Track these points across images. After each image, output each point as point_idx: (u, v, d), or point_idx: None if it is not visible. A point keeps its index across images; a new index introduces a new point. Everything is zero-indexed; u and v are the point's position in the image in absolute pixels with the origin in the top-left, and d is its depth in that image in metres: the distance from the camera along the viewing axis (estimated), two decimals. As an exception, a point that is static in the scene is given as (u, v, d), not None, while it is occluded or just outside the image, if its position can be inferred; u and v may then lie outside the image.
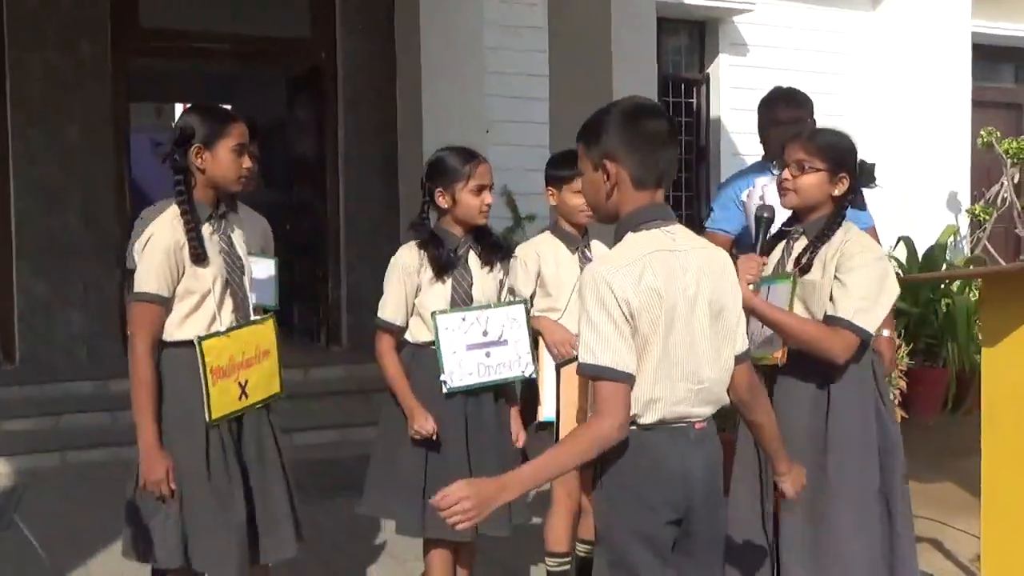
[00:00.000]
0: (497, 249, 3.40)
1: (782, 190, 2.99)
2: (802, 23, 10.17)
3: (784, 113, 4.12)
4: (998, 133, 9.68)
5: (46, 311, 7.48)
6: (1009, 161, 9.53)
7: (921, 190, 10.00)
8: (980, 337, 3.35)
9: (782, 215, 3.22)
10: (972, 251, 9.61)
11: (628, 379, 2.19)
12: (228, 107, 3.10)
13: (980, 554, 3.46)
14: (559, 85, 6.55)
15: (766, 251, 3.06)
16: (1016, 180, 9.83)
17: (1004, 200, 9.63)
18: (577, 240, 3.70)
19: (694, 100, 10.03)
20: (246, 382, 2.95)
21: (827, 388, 2.91)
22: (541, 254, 3.68)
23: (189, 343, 2.86)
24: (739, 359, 2.39)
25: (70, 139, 7.48)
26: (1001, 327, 3.25)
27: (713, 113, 9.96)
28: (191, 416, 2.86)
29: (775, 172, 4.03)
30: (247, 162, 2.97)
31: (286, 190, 9.35)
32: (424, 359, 3.31)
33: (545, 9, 8.93)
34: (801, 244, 3.00)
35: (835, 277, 2.88)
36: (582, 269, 3.66)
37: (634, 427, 2.26)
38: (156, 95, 12.34)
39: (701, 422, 2.32)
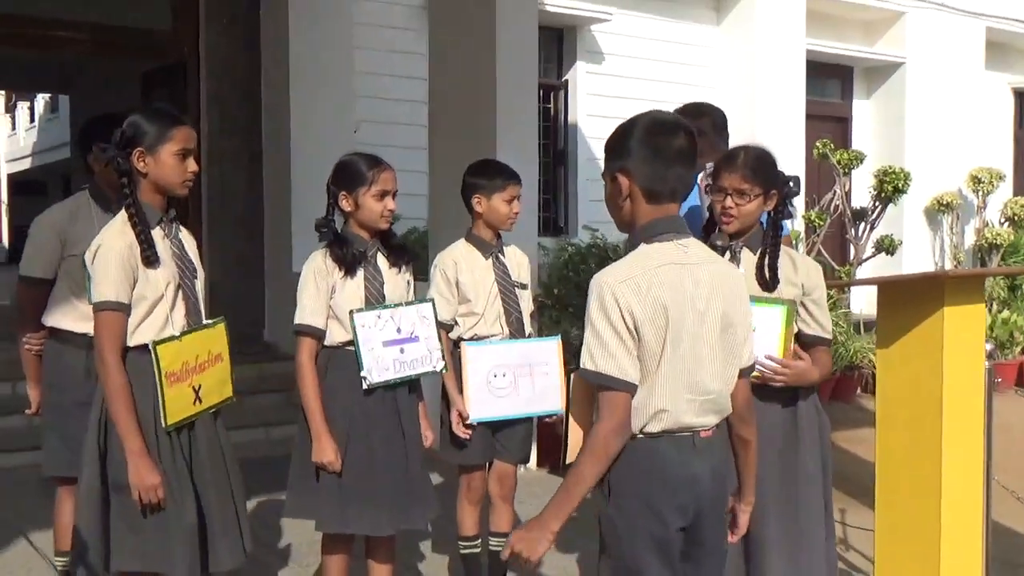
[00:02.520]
0: (402, 252, 3.46)
1: (726, 217, 3.01)
2: (654, 34, 10.50)
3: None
4: (832, 144, 10.23)
5: None
6: (841, 171, 10.08)
7: (761, 197, 10.39)
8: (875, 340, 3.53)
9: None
10: (808, 254, 10.12)
11: (629, 388, 2.23)
12: (173, 110, 2.97)
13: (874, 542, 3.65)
14: (439, 86, 6.50)
15: None
16: (847, 188, 10.42)
17: (836, 207, 10.18)
18: (491, 247, 3.81)
19: (552, 105, 10.19)
20: (200, 387, 2.87)
21: (796, 400, 3.01)
22: (458, 262, 3.78)
23: (141, 348, 2.78)
24: (742, 373, 2.44)
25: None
26: (894, 331, 3.45)
27: (571, 118, 10.14)
28: (143, 421, 2.77)
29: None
30: (192, 166, 2.89)
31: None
32: (341, 360, 3.31)
33: (415, 10, 8.91)
34: (748, 257, 3.03)
35: (807, 296, 3.01)
36: (496, 273, 3.79)
37: (640, 436, 2.29)
38: (3, 83, 11.63)
39: (707, 431, 2.35)
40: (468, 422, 3.68)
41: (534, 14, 6.38)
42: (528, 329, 3.88)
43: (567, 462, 2.46)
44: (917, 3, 11.78)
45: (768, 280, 2.98)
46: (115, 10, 7.93)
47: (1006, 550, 4.33)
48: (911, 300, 3.39)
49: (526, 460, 3.99)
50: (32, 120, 30.03)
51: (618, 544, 2.32)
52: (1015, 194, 12.85)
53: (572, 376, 2.45)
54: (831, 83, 12.11)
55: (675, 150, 2.31)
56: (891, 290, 3.50)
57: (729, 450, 2.49)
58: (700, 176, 4.02)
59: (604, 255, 6.15)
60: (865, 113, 12.19)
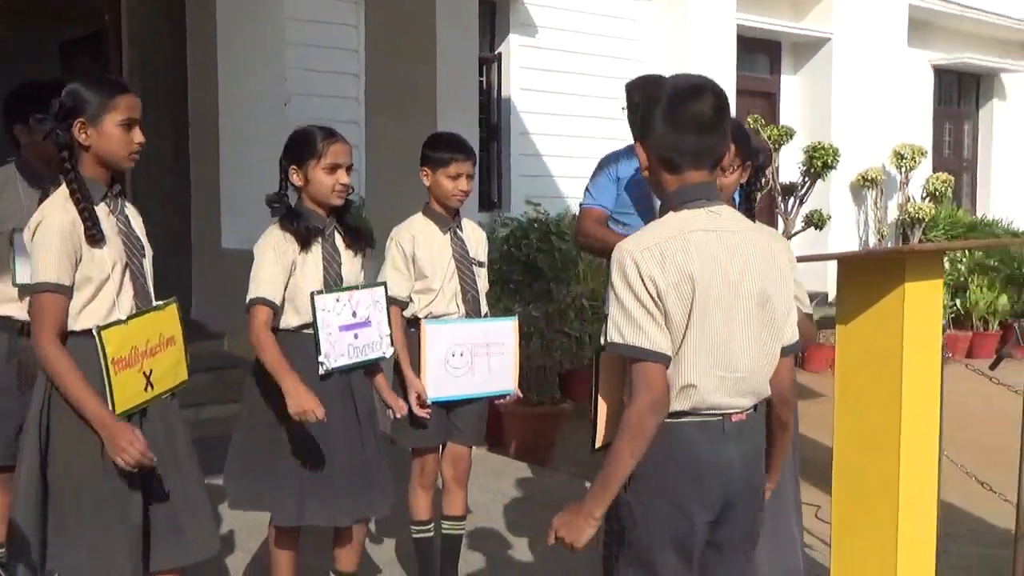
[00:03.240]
0: (357, 235, 3.30)
1: None
2: (587, 7, 10.38)
3: (638, 97, 4.18)
4: (762, 120, 10.29)
5: None
6: (772, 146, 10.16)
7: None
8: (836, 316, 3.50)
9: None
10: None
11: (663, 359, 2.11)
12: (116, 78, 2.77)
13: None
14: (377, 59, 6.33)
15: None
16: (776, 164, 10.50)
17: (766, 182, 10.26)
18: (448, 221, 3.68)
19: (484, 79, 10.02)
20: (151, 372, 2.68)
21: None
22: (415, 236, 3.63)
23: (85, 333, 2.58)
24: (785, 351, 2.31)
25: None
26: (855, 307, 3.41)
27: (504, 92, 9.99)
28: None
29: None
30: (138, 136, 2.67)
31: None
32: (295, 344, 3.15)
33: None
34: None
35: None
36: (453, 249, 3.65)
37: (671, 420, 2.15)
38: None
39: (739, 414, 2.20)
40: (425, 402, 3.55)
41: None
42: (484, 308, 3.76)
43: (596, 447, 2.36)
44: (843, -21, 11.89)
45: None
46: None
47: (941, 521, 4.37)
48: (872, 276, 3.35)
49: (480, 442, 3.92)
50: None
51: (634, 533, 2.21)
52: (934, 170, 13.13)
53: (599, 357, 2.32)
54: (759, 58, 12.17)
55: (690, 115, 2.18)
56: (852, 266, 3.46)
57: (764, 434, 2.34)
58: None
59: (546, 229, 6.04)
60: (792, 88, 12.28)
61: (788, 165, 11.03)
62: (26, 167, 3.49)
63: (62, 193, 2.61)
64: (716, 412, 2.18)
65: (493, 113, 10.04)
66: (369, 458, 3.23)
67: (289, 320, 3.17)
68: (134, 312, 2.68)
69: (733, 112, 7.76)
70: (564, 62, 10.14)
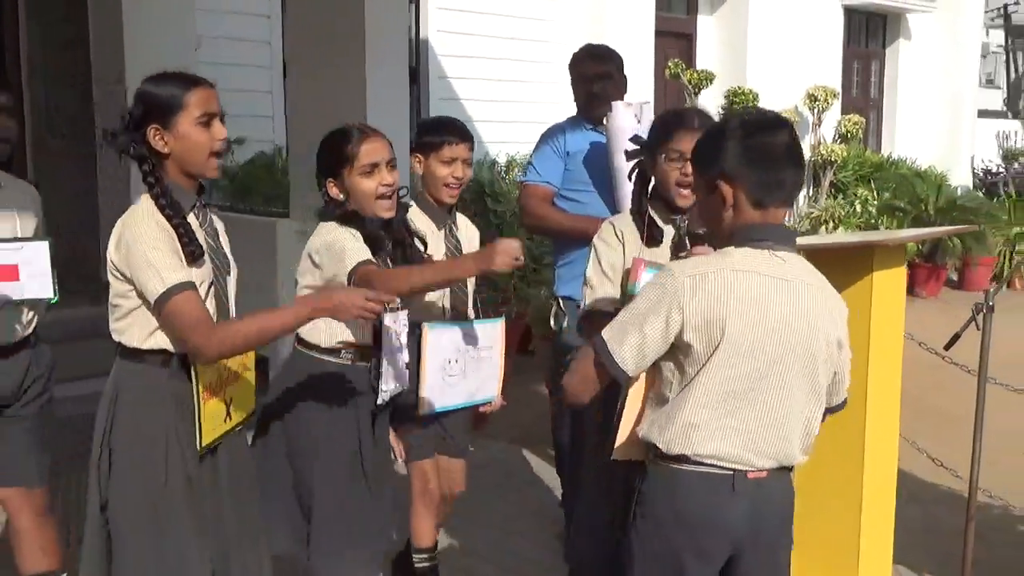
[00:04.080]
0: (418, 253, 2.91)
1: (681, 188, 2.71)
2: (504, -55, 10.06)
3: (591, 68, 4.00)
4: (683, 64, 10.18)
5: None
6: (692, 90, 10.07)
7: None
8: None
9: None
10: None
11: (615, 370, 2.06)
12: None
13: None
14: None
15: (656, 242, 2.83)
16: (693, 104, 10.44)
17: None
18: (443, 216, 3.31)
19: (401, 19, 9.65)
20: (231, 400, 2.42)
21: None
22: None
23: (159, 353, 2.32)
24: (828, 411, 2.19)
25: None
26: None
27: (423, 34, 9.65)
28: (153, 448, 2.31)
29: (587, 127, 3.98)
30: (220, 132, 2.35)
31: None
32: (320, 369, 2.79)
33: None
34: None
35: None
36: (447, 247, 3.29)
37: (667, 461, 2.07)
38: None
39: (757, 472, 2.06)
40: (427, 413, 3.14)
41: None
42: (471, 312, 3.40)
43: (611, 456, 2.29)
44: (758, -82, 11.76)
45: None
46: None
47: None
48: (839, 266, 3.28)
49: (467, 452, 3.53)
50: None
51: (631, 564, 2.14)
52: (843, 110, 13.26)
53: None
54: (677, -1, 12.04)
55: (783, 148, 2.06)
56: (819, 256, 3.38)
57: (791, 494, 2.17)
58: (627, 111, 3.79)
59: (480, 190, 5.84)
60: (709, 29, 12.18)
61: (709, 109, 10.98)
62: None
63: (146, 208, 2.31)
64: (725, 465, 2.05)
65: (411, 57, 9.69)
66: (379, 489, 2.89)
67: (321, 337, 2.80)
68: None
69: (651, 54, 7.55)
70: (480, 2, 9.83)
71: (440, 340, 3.11)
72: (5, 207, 3.06)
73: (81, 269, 7.05)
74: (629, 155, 3.03)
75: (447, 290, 3.23)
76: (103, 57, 7.28)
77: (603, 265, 2.80)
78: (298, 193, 6.19)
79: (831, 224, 10.18)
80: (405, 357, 2.75)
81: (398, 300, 2.50)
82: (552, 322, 3.94)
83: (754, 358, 2.00)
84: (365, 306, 2.24)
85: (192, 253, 2.29)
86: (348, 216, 2.73)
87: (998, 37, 34.69)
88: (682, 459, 2.05)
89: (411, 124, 9.63)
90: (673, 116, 2.85)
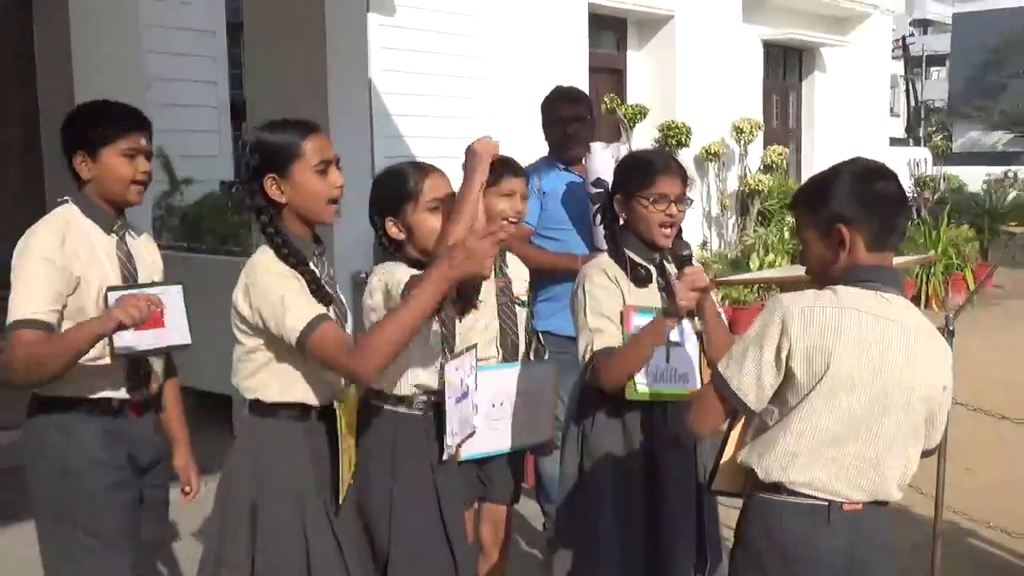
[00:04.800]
0: (468, 291, 2.65)
1: (670, 228, 2.83)
2: (443, -15, 10.19)
3: (567, 110, 4.13)
4: (618, 99, 10.41)
5: None
6: (628, 124, 10.30)
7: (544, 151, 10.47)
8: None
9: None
10: (597, 205, 10.31)
11: (738, 404, 2.11)
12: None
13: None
14: (256, 39, 5.98)
15: (646, 282, 2.90)
16: (630, 141, 10.67)
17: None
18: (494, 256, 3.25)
19: (343, 57, 9.70)
20: (349, 447, 2.40)
21: None
22: None
23: (292, 407, 2.32)
24: (923, 454, 2.22)
25: None
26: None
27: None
28: (298, 505, 2.28)
29: (560, 168, 4.12)
30: (337, 179, 2.33)
31: None
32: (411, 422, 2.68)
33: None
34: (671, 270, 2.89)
35: None
36: (498, 287, 3.18)
37: (764, 492, 2.12)
38: None
39: (852, 504, 2.09)
40: (467, 458, 2.98)
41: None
42: (521, 351, 3.25)
43: (713, 487, 2.40)
44: (683, -42, 12.11)
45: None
46: None
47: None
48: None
49: (517, 499, 3.37)
50: None
51: None
52: (765, 140, 13.68)
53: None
54: (606, 35, 12.27)
55: (898, 196, 2.16)
56: (789, 287, 3.55)
57: (887, 528, 2.19)
58: (605, 152, 3.94)
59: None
60: (639, 64, 12.47)
61: (643, 142, 11.23)
62: (89, 206, 2.64)
63: (268, 258, 2.29)
64: (820, 496, 2.08)
65: (356, 94, 9.74)
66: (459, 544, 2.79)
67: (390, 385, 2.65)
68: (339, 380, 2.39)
69: (586, 88, 7.62)
70: (422, 42, 9.94)
71: (486, 383, 2.96)
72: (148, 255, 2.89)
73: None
74: (594, 199, 3.09)
75: (498, 332, 3.15)
76: (52, 98, 7.20)
77: (604, 310, 2.81)
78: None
79: (762, 250, 10.50)
80: (471, 404, 2.70)
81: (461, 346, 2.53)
82: (531, 356, 4.03)
83: (856, 393, 2.04)
84: (493, 241, 2.19)
85: (323, 300, 2.27)
86: (415, 265, 2.55)
87: (897, 67, 35.99)
88: (779, 488, 2.10)
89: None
90: (651, 161, 2.91)
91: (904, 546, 4.14)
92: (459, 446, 2.79)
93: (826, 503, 2.08)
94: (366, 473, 2.58)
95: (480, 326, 3.02)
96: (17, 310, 2.39)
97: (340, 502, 2.32)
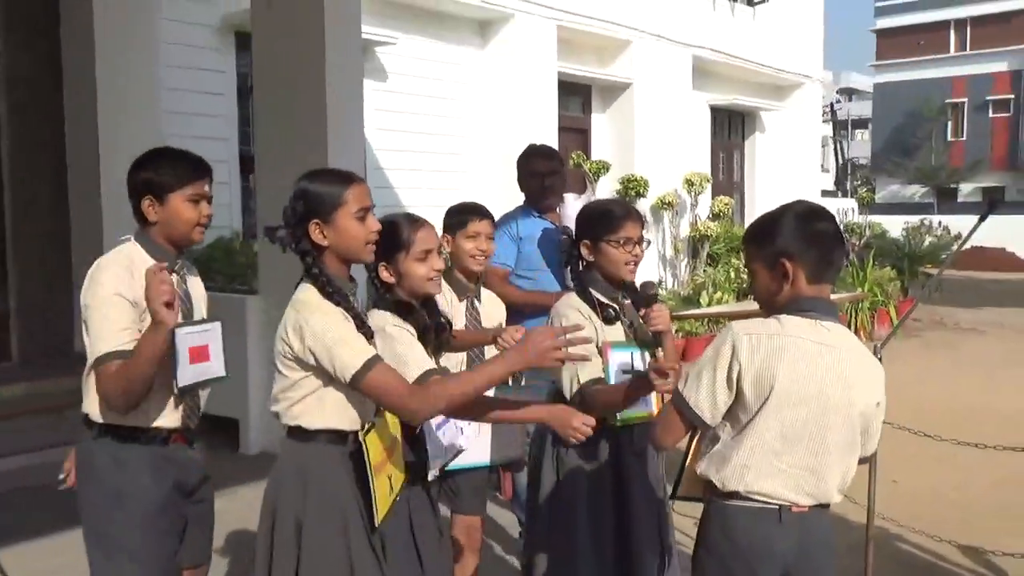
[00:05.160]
0: (443, 330, 2.67)
1: (633, 266, 2.87)
2: (429, 56, 10.25)
3: (542, 165, 4.15)
4: (584, 155, 10.48)
5: None
6: (592, 177, 10.36)
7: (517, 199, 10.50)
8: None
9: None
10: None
11: (693, 417, 2.14)
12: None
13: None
14: (265, 103, 5.99)
15: (614, 320, 2.90)
16: (594, 193, 10.73)
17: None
18: (467, 288, 3.31)
19: (341, 118, 9.72)
20: (392, 475, 2.31)
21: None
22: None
23: (333, 434, 2.26)
24: (860, 461, 2.23)
25: None
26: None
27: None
28: (343, 526, 2.21)
29: (535, 215, 4.12)
30: (374, 224, 2.32)
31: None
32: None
33: (218, 31, 8.20)
34: (628, 307, 2.92)
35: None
36: (467, 318, 3.25)
37: (721, 498, 2.15)
38: None
39: (799, 507, 2.13)
40: (435, 474, 2.87)
41: (358, 27, 6.01)
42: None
43: (677, 494, 2.49)
44: (640, 33, 12.27)
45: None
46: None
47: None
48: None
49: (483, 510, 3.36)
50: None
51: None
52: (713, 192, 13.79)
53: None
54: (573, 99, 12.38)
55: (836, 234, 2.18)
56: (721, 320, 3.54)
57: (830, 528, 2.23)
58: (577, 203, 3.97)
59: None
60: (602, 125, 12.58)
61: (606, 193, 11.30)
62: (153, 246, 2.55)
63: (316, 298, 2.25)
64: (772, 500, 2.11)
65: (351, 150, 9.76)
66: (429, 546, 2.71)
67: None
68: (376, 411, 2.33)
69: (556, 146, 7.62)
70: (412, 104, 9.99)
71: None
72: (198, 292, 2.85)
73: (58, 345, 6.86)
74: (562, 245, 3.12)
75: (465, 358, 3.15)
76: (79, 156, 7.16)
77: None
78: (267, 270, 6.16)
79: (711, 288, 10.54)
80: (455, 427, 2.68)
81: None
82: (510, 382, 4.00)
83: (799, 411, 2.07)
84: (556, 344, 2.17)
85: (366, 335, 2.24)
86: (402, 306, 2.55)
87: (826, 129, 36.53)
88: (735, 495, 2.13)
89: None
90: (613, 209, 2.94)
91: (840, 548, 4.14)
92: (443, 467, 2.75)
93: (777, 507, 2.12)
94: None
95: (454, 361, 3.03)
96: (98, 346, 2.34)
97: (376, 524, 2.25)
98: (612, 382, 2.77)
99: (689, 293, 11.04)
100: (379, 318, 2.51)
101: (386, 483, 2.28)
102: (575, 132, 12.18)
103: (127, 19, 6.93)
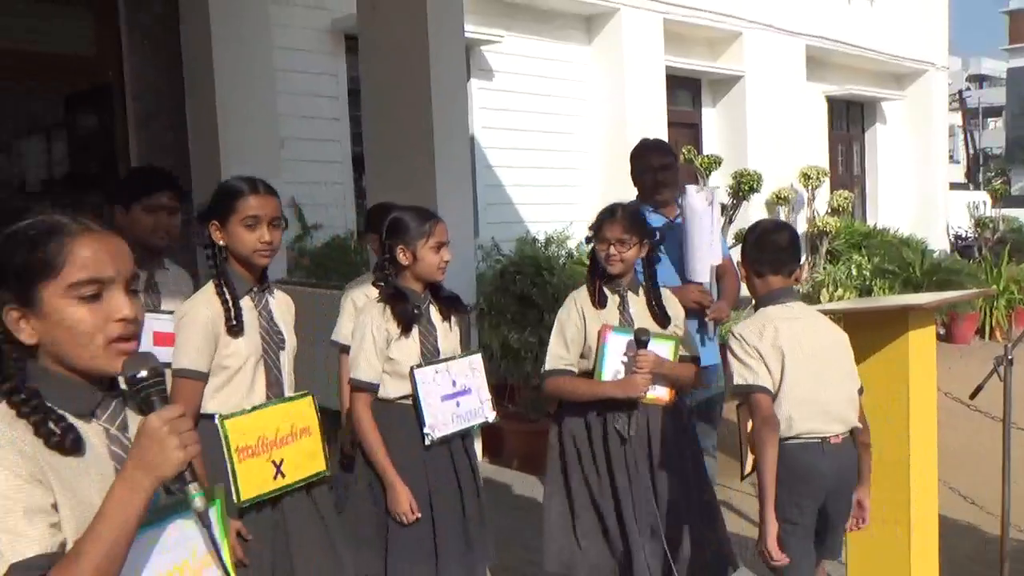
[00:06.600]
0: (454, 303, 3.06)
1: (610, 261, 3.17)
2: (535, 53, 10.26)
3: (656, 159, 4.09)
4: (694, 150, 10.29)
5: None
6: (704, 172, 10.17)
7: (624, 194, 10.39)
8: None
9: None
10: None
11: (765, 390, 2.82)
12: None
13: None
14: (372, 102, 6.10)
15: (603, 304, 3.23)
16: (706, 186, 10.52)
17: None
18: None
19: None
20: (281, 461, 2.43)
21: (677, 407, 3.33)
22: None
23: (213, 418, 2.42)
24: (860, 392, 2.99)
25: None
26: (861, 352, 3.35)
27: (469, 130, 9.81)
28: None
29: (649, 210, 4.07)
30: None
31: (72, 206, 8.12)
32: (397, 413, 2.91)
33: (329, 34, 8.42)
34: (636, 300, 3.24)
35: (677, 326, 3.29)
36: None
37: (782, 441, 2.79)
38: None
39: (835, 437, 2.87)
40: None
41: (461, 27, 6.05)
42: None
43: (745, 473, 3.16)
44: (750, 24, 11.98)
45: (660, 317, 3.23)
46: (38, 36, 7.14)
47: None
48: (877, 326, 3.31)
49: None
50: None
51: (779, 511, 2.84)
52: (831, 186, 13.33)
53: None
54: (682, 93, 12.19)
55: (783, 241, 2.98)
56: (858, 317, 3.41)
57: (855, 454, 2.95)
58: (699, 195, 3.92)
59: (538, 266, 5.90)
60: (712, 119, 12.34)
61: (720, 189, 11.08)
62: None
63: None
64: (815, 436, 2.85)
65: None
66: (470, 524, 2.98)
67: (390, 391, 2.92)
68: (263, 403, 2.45)
69: (665, 139, 7.53)
70: (517, 102, 10.02)
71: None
72: (175, 287, 3.15)
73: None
74: (588, 240, 3.33)
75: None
76: (201, 159, 7.47)
77: (567, 337, 3.21)
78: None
79: (832, 287, 10.18)
80: (448, 405, 2.97)
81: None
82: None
83: (806, 364, 2.84)
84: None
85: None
86: (396, 295, 2.93)
87: (955, 118, 34.83)
88: (789, 438, 2.83)
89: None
90: (606, 212, 3.25)
91: (973, 558, 3.94)
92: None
93: (819, 440, 2.85)
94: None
95: (453, 336, 3.12)
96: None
97: (238, 504, 2.40)
98: (605, 360, 3.12)
99: (808, 291, 10.70)
100: (363, 314, 2.95)
101: (266, 468, 2.40)
102: (685, 127, 11.99)
103: (242, 26, 7.20)
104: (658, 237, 3.27)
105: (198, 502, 1.32)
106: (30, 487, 1.26)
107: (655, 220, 4.07)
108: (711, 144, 12.01)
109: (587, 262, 3.42)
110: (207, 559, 1.41)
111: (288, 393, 2.56)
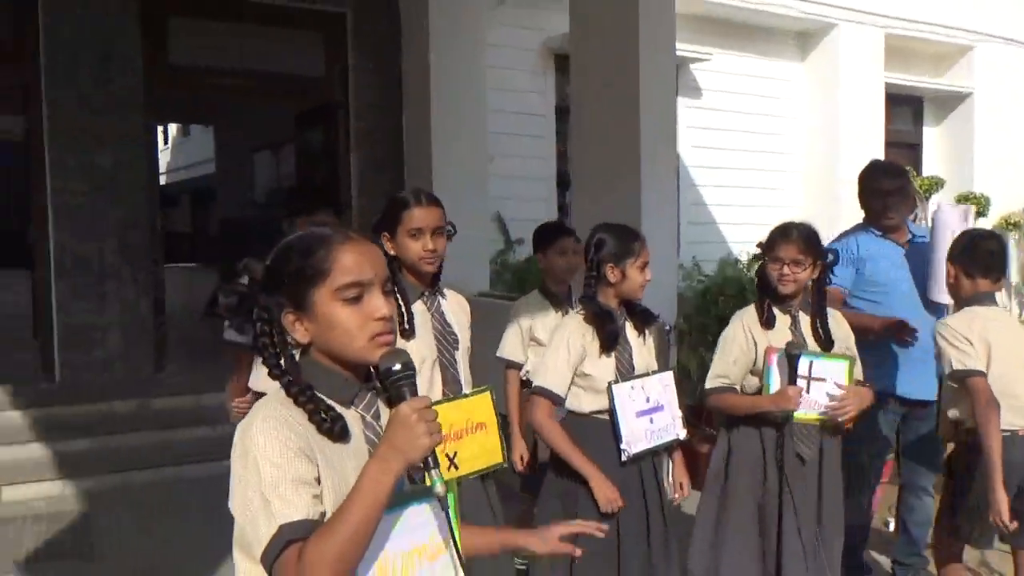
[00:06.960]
0: (647, 316, 3.07)
1: (783, 281, 3.13)
2: (745, 71, 10.06)
3: (887, 183, 3.91)
4: (914, 171, 9.73)
5: (85, 333, 6.81)
6: (923, 194, 9.60)
7: (847, 222, 9.92)
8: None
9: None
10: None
11: (983, 375, 3.06)
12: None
13: None
14: (582, 124, 6.18)
15: (771, 325, 3.20)
16: (927, 211, 9.92)
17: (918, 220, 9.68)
18: (560, 301, 3.91)
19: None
20: (455, 454, 2.54)
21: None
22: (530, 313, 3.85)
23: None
24: None
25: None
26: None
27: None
28: None
29: (876, 234, 3.89)
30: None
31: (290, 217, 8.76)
32: (588, 428, 2.93)
33: (538, 53, 8.64)
34: (805, 319, 3.20)
35: (848, 348, 3.25)
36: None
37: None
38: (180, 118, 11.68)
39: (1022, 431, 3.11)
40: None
41: (672, 48, 6.03)
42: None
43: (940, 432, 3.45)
44: (983, 37, 11.19)
45: (823, 340, 3.15)
46: (273, 60, 7.78)
47: None
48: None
49: None
50: (165, 142, 30.35)
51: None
52: (1071, 212, 12.18)
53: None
54: (902, 112, 11.56)
55: (987, 249, 3.27)
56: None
57: None
58: (955, 212, 3.79)
59: (741, 287, 5.79)
60: (934, 139, 11.62)
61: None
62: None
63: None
64: (1009, 428, 3.07)
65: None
66: (655, 542, 2.97)
67: (583, 405, 2.95)
68: (438, 400, 2.56)
69: (882, 159, 7.14)
70: (726, 121, 9.85)
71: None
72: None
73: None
74: (757, 257, 3.37)
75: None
76: (416, 171, 7.85)
77: (730, 357, 3.22)
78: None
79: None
80: (643, 421, 2.97)
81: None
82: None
83: (1005, 360, 3.10)
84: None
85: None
86: (602, 315, 2.97)
87: None
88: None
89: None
90: (780, 232, 3.19)
91: None
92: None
93: (1011, 432, 3.08)
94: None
95: (647, 352, 3.09)
96: None
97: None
98: (771, 380, 3.11)
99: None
100: (563, 325, 3.05)
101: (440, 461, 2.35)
102: (904, 147, 11.35)
103: (458, 46, 7.52)
104: (830, 259, 3.19)
105: (439, 487, 1.44)
106: (299, 460, 1.42)
107: (881, 245, 3.90)
108: (932, 165, 11.30)
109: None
110: (441, 545, 1.53)
111: (466, 390, 2.65)
